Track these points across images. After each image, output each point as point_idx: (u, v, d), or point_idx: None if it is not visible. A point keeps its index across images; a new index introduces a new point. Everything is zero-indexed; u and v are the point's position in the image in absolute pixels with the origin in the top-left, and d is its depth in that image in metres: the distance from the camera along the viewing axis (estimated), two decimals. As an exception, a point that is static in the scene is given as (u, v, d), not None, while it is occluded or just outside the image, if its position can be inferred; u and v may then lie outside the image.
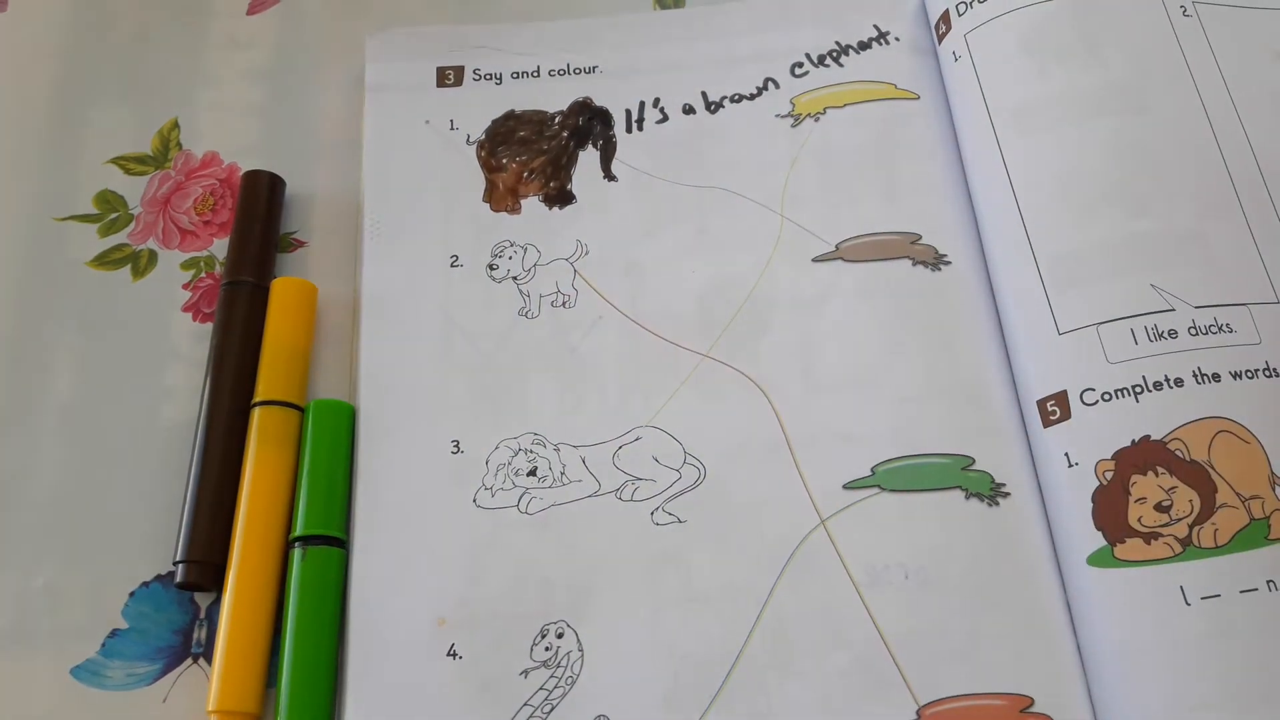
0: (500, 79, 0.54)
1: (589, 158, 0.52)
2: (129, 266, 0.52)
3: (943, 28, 0.53)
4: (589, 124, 0.53)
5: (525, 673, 0.42)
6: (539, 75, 0.54)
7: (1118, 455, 0.43)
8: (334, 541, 0.44)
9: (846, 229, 0.50)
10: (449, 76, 0.54)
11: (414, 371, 0.48)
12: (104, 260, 0.52)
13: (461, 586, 0.44)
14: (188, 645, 0.44)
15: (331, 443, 0.46)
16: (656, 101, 0.54)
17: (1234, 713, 0.39)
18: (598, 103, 0.54)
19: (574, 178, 0.52)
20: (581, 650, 0.43)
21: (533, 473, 0.46)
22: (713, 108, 0.53)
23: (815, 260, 0.49)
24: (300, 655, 0.42)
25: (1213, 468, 0.42)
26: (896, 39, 0.54)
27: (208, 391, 0.47)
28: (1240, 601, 0.40)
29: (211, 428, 0.46)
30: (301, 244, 0.52)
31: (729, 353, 0.48)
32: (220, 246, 0.52)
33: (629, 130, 0.53)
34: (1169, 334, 0.44)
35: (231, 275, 0.49)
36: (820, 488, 0.45)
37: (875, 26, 0.54)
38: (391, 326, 0.49)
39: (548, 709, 0.42)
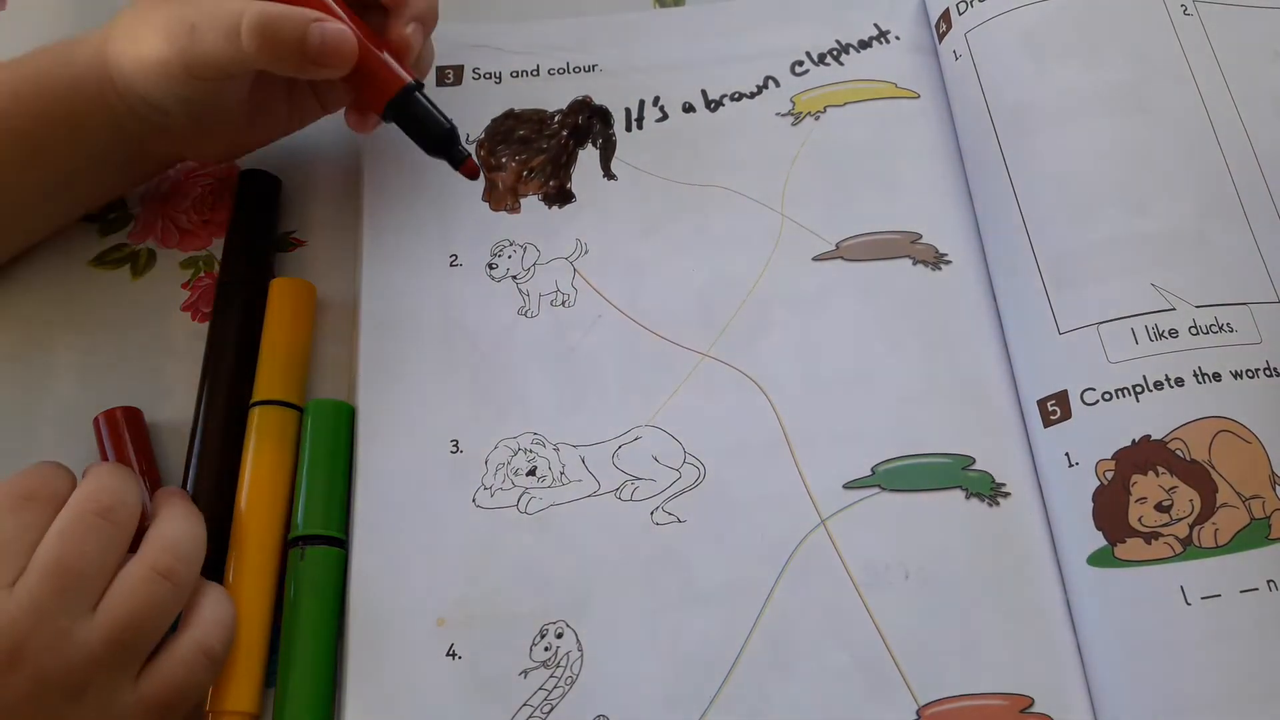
0: (500, 78, 0.54)
1: (589, 156, 0.52)
2: (128, 266, 0.52)
3: (943, 26, 0.53)
4: (589, 122, 0.53)
5: (525, 673, 0.42)
6: (538, 74, 0.54)
7: (1118, 455, 0.43)
8: (334, 541, 0.44)
9: (847, 228, 0.50)
10: (448, 76, 0.54)
11: (413, 371, 0.48)
12: (104, 260, 0.52)
13: (461, 586, 0.44)
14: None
15: (331, 443, 0.46)
16: (656, 100, 0.53)
17: (1234, 713, 0.39)
18: (597, 101, 0.54)
19: (574, 176, 0.52)
20: (581, 650, 0.43)
21: (532, 472, 0.46)
22: (713, 106, 0.53)
23: (815, 259, 0.49)
24: (300, 655, 0.42)
25: (1213, 467, 0.42)
26: (897, 38, 0.54)
27: (202, 392, 0.47)
28: (1241, 601, 0.40)
29: (207, 428, 0.46)
30: (301, 243, 0.52)
31: (729, 352, 0.48)
32: (220, 246, 0.52)
33: (629, 129, 0.53)
34: (1169, 333, 0.44)
35: (226, 275, 0.49)
36: (820, 487, 0.45)
37: (876, 25, 0.54)
38: (391, 326, 0.49)
39: (547, 709, 0.42)
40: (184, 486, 0.45)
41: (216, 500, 0.45)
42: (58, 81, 0.46)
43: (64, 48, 0.47)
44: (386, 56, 0.46)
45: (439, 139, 0.46)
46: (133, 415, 0.47)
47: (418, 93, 0.46)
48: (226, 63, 0.43)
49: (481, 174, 0.52)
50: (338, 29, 0.43)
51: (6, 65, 0.47)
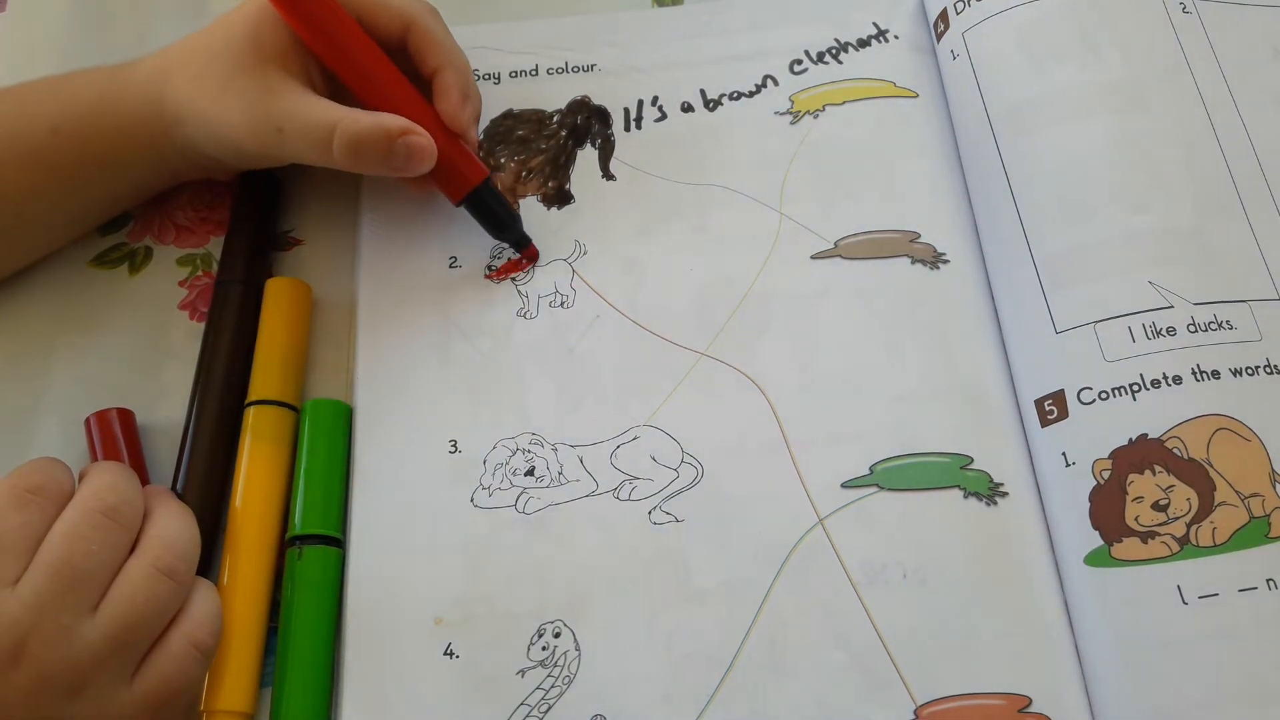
0: (499, 78, 0.54)
1: (587, 156, 0.52)
2: (126, 264, 0.52)
3: (941, 26, 0.53)
4: (587, 122, 0.53)
5: (522, 672, 0.42)
6: (537, 74, 0.54)
7: (1115, 454, 0.42)
8: (331, 541, 0.44)
9: (845, 226, 0.50)
10: (447, 75, 0.54)
11: (412, 371, 0.48)
12: (104, 260, 0.52)
13: (459, 586, 0.44)
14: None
15: (328, 442, 0.46)
16: (655, 99, 0.53)
17: (1232, 713, 0.39)
18: (596, 101, 0.54)
19: (572, 177, 0.52)
20: (579, 650, 0.43)
21: (530, 472, 0.46)
22: (712, 105, 0.53)
23: (814, 258, 0.49)
24: (297, 655, 0.42)
25: (1212, 466, 0.42)
26: (895, 37, 0.54)
27: (195, 392, 0.47)
28: (1239, 601, 0.40)
29: (199, 429, 0.46)
30: (298, 242, 0.52)
31: (727, 351, 0.48)
32: (218, 245, 0.52)
33: (627, 129, 0.53)
34: (1168, 331, 0.44)
35: (224, 274, 0.49)
36: (818, 486, 0.45)
37: (874, 24, 0.54)
38: (389, 326, 0.49)
39: (545, 708, 0.42)
40: (174, 485, 0.45)
41: (205, 500, 0.45)
42: (103, 120, 0.47)
43: (109, 85, 0.48)
44: (463, 149, 0.48)
45: (507, 226, 0.49)
46: (124, 416, 0.47)
47: (489, 183, 0.48)
48: (310, 162, 0.46)
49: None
50: (420, 143, 0.45)
51: (45, 96, 0.48)
